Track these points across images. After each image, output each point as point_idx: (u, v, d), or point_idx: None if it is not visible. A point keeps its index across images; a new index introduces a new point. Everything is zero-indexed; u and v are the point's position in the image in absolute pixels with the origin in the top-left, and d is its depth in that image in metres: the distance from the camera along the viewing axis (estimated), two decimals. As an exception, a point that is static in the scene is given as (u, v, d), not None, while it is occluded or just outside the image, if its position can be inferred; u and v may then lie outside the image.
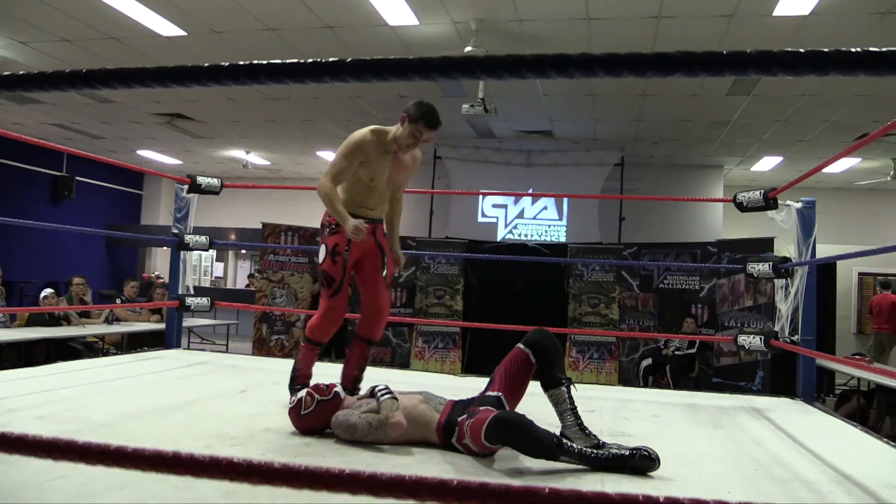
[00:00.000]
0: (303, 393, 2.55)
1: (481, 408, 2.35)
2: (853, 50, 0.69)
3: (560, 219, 10.98)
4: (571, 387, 2.44)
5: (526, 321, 7.12)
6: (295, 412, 2.53)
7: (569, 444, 2.17)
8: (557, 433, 2.33)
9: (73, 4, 6.15)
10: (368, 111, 9.31)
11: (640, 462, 2.15)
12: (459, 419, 2.34)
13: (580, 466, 2.15)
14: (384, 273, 3.27)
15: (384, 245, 3.28)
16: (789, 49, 0.71)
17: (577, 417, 2.38)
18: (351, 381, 3.25)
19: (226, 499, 1.86)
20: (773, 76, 0.77)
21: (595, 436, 2.34)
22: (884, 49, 0.69)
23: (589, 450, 2.17)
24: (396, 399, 2.42)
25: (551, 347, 2.48)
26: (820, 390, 8.15)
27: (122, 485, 1.94)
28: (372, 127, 3.11)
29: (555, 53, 0.78)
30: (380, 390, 2.46)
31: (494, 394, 2.41)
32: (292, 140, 11.52)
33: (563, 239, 10.72)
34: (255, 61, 0.81)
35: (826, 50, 0.70)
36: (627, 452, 2.17)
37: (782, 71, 0.74)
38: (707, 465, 2.42)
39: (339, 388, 2.55)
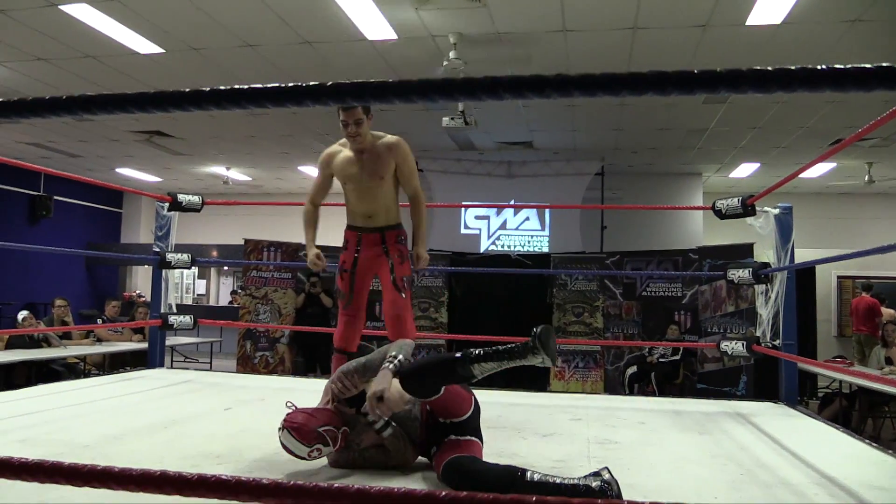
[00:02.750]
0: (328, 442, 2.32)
1: (445, 439, 2.29)
2: (819, 67, 0.72)
3: (542, 229, 11.04)
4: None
5: (511, 332, 7.11)
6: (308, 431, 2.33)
7: (530, 477, 2.02)
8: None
9: (50, 24, 6.12)
10: (349, 125, 9.33)
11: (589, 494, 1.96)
12: (432, 451, 2.32)
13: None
14: (392, 276, 3.30)
15: (392, 251, 3.35)
16: (758, 67, 0.73)
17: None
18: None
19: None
20: (743, 94, 0.79)
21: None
22: (848, 66, 0.72)
23: (551, 478, 2.02)
24: (398, 432, 2.33)
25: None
26: (803, 393, 8.23)
27: (108, 508, 1.92)
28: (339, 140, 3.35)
29: (531, 75, 0.80)
30: (377, 423, 2.31)
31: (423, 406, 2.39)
32: (273, 155, 11.51)
33: (545, 249, 10.77)
34: (237, 86, 0.82)
35: (793, 67, 0.72)
36: (589, 483, 1.98)
37: (752, 89, 0.77)
38: (692, 471, 2.44)
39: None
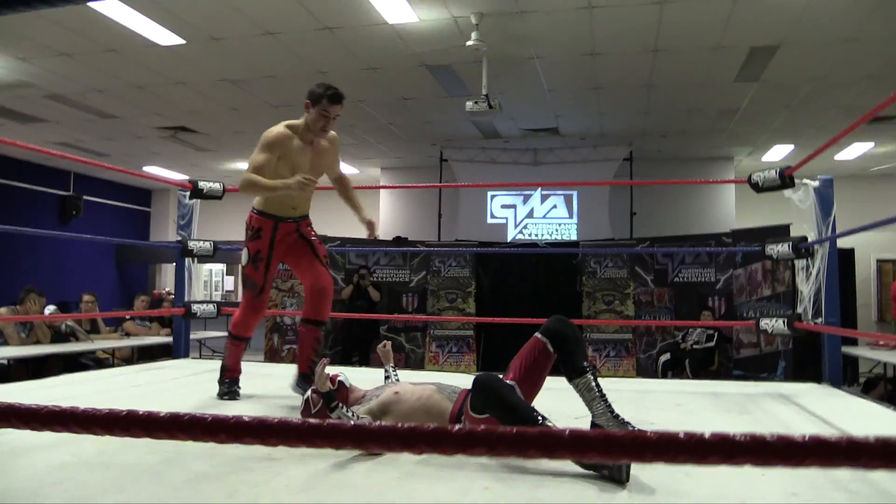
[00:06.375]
0: (308, 393, 2.49)
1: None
2: None
3: (570, 216, 10.86)
4: (596, 374, 2.30)
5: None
6: (307, 414, 2.46)
7: (542, 422, 2.00)
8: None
9: (70, 18, 6.11)
10: (371, 115, 9.25)
11: (608, 475, 1.93)
12: (463, 407, 2.26)
13: None
14: (315, 252, 3.37)
15: (308, 236, 3.39)
16: None
17: (608, 404, 2.24)
18: (308, 367, 3.25)
19: (228, 499, 1.77)
20: None
21: (628, 422, 2.21)
22: None
23: None
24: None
25: (571, 335, 2.33)
26: (844, 380, 7.97)
27: (120, 488, 1.85)
28: (284, 122, 3.23)
29: None
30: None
31: (509, 382, 2.27)
32: (297, 149, 11.46)
33: (574, 237, 10.60)
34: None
35: None
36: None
37: None
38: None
39: (342, 378, 2.48)
